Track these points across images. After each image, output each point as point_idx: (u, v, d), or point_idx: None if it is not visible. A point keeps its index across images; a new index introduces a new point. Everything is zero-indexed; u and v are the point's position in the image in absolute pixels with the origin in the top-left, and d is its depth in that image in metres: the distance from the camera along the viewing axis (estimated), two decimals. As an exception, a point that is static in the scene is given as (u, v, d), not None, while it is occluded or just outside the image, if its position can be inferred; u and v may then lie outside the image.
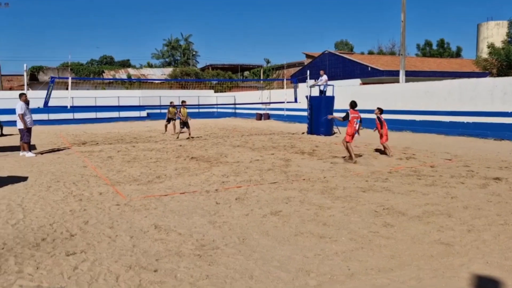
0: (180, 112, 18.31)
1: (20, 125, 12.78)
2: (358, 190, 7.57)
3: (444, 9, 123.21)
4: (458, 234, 5.15)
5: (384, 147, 12.14)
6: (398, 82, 23.99)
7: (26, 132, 12.79)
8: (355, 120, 10.75)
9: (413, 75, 31.37)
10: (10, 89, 42.96)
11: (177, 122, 19.25)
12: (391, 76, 31.23)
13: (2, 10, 40.73)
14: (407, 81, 23.56)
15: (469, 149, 12.91)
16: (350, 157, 10.84)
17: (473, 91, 16.85)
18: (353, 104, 11.07)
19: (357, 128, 10.80)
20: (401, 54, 24.05)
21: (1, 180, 8.99)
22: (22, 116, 12.68)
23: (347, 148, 10.96)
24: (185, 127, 18.04)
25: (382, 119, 12.16)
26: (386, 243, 4.88)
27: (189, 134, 18.24)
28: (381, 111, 12.40)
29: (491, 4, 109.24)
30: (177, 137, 18.04)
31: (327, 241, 4.96)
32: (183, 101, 18.98)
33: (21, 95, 13.07)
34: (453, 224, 5.54)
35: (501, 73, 27.77)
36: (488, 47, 29.94)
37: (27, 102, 13.09)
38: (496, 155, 11.61)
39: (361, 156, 11.77)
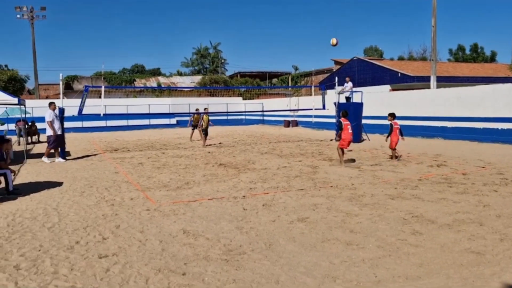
0: (203, 119, 18.40)
1: (49, 132, 13.42)
2: (387, 198, 7.49)
3: (477, 12, 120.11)
4: (490, 243, 5.02)
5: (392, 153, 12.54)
6: (429, 88, 23.56)
7: (53, 139, 13.37)
8: (348, 126, 11.53)
9: (445, 81, 30.72)
10: (47, 97, 44.54)
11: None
12: (422, 82, 30.67)
13: (40, 21, 42.38)
14: (438, 87, 23.11)
15: (504, 156, 12.52)
16: (340, 160, 11.58)
17: (508, 97, 16.36)
18: (344, 114, 11.92)
19: (351, 133, 11.68)
20: (432, 60, 23.64)
21: (38, 185, 9.37)
22: (51, 124, 13.27)
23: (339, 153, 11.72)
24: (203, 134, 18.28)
25: (394, 125, 12.47)
26: (415, 251, 4.82)
27: (203, 142, 18.31)
28: (393, 117, 12.71)
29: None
30: (204, 145, 18.15)
31: (354, 248, 4.94)
32: (205, 108, 19.19)
33: (50, 104, 13.81)
34: (485, 233, 5.41)
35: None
36: None
37: (62, 110, 13.62)
38: (532, 163, 11.22)
39: (354, 161, 12.09)
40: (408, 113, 20.73)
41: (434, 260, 4.52)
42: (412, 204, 7.01)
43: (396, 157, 12.35)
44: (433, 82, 23.06)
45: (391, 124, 12.50)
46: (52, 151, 13.61)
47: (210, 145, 18.50)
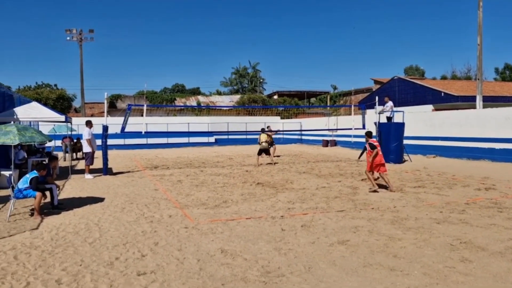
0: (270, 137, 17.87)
1: (87, 149, 14.04)
2: (432, 221, 7.16)
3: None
4: (548, 274, 4.66)
5: (369, 177, 10.72)
6: (474, 108, 22.72)
7: (91, 155, 13.84)
8: (379, 147, 10.72)
9: (492, 101, 29.57)
10: (92, 115, 46.31)
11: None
12: (466, 102, 29.65)
13: (88, 43, 44.40)
14: (484, 106, 22.25)
15: (558, 181, 11.77)
16: (372, 184, 10.56)
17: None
18: (369, 134, 11.29)
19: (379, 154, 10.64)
20: (478, 79, 22.85)
21: (81, 200, 9.62)
22: (90, 141, 13.79)
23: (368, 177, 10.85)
24: (263, 154, 17.77)
25: (369, 146, 10.84)
26: (464, 280, 4.53)
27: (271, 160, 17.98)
28: (369, 136, 11.18)
29: None
30: (273, 162, 17.83)
31: (398, 274, 4.71)
32: (268, 127, 18.76)
33: (87, 122, 14.44)
34: (542, 262, 5.03)
35: None
36: None
37: (106, 128, 14.16)
38: None
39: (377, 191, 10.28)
40: (452, 134, 20.02)
41: (486, 291, 4.22)
42: (460, 229, 6.65)
43: (374, 187, 10.38)
44: (479, 101, 22.24)
45: (370, 144, 10.72)
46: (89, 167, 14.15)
47: (261, 164, 18.20)
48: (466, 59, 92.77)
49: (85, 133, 14.14)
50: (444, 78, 59.29)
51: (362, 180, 12.46)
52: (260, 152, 17.71)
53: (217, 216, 7.80)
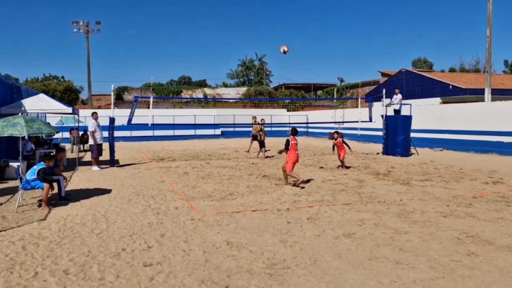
0: (261, 130, 18.04)
1: (90, 141, 13.97)
2: (438, 215, 7.13)
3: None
4: (556, 268, 4.63)
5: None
6: (482, 101, 22.51)
7: (95, 148, 13.87)
8: (296, 146, 10.23)
9: (501, 94, 29.23)
10: (99, 107, 46.47)
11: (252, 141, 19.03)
12: (475, 94, 29.36)
13: (95, 35, 44.49)
14: (493, 99, 22.01)
15: None
16: (286, 181, 10.34)
17: None
18: (293, 132, 10.51)
19: (297, 153, 10.26)
20: (487, 71, 22.62)
21: (88, 192, 9.69)
22: (93, 133, 13.81)
23: (285, 176, 10.43)
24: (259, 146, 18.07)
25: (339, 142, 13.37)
26: (471, 273, 4.52)
27: (263, 154, 18.02)
28: (338, 135, 13.58)
29: None
30: (264, 156, 17.80)
31: (404, 268, 4.70)
32: (262, 120, 18.81)
33: (93, 114, 14.40)
34: (549, 257, 5.00)
35: None
36: None
37: (113, 120, 14.16)
38: None
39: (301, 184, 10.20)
40: (460, 127, 19.88)
41: (492, 285, 4.21)
42: (467, 223, 6.62)
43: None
44: (487, 94, 22.03)
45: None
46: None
47: (268, 156, 18.13)
48: (475, 51, 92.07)
49: (90, 125, 14.20)
50: (452, 70, 58.75)
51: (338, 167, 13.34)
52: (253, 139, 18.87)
53: (223, 208, 7.83)
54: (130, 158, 18.13)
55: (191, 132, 35.04)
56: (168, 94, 56.46)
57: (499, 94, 28.91)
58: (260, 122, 18.63)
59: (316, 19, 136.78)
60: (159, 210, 7.70)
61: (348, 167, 13.73)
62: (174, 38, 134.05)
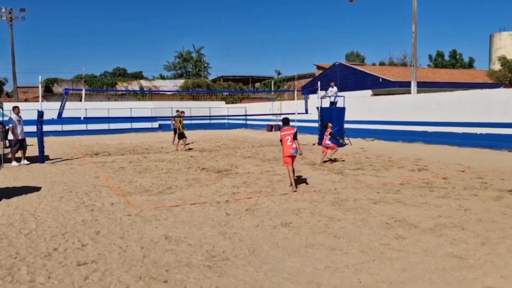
0: (180, 122, 18.09)
1: (10, 136, 13.49)
2: (369, 202, 7.51)
3: (456, 19, 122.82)
4: (472, 247, 5.06)
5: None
6: (409, 93, 23.87)
7: (15, 143, 13.27)
8: (286, 137, 8.76)
9: (425, 86, 31.15)
10: (26, 100, 43.68)
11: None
12: (402, 87, 31.05)
13: (19, 23, 41.58)
14: (419, 92, 23.41)
15: (483, 161, 12.73)
16: (291, 184, 8.80)
17: (486, 102, 16.67)
18: (284, 121, 9.24)
19: (294, 146, 8.70)
20: (413, 65, 23.97)
21: (16, 190, 9.12)
22: (13, 129, 13.16)
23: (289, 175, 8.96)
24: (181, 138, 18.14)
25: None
26: (398, 255, 4.82)
27: (184, 146, 18.17)
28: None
29: (505, 14, 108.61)
30: (185, 149, 18.01)
31: (338, 253, 4.92)
32: (182, 112, 18.83)
33: (14, 108, 13.71)
34: (467, 237, 5.45)
35: (515, 84, 27.38)
36: (499, 60, 29.55)
37: (41, 113, 13.42)
38: (511, 167, 11.42)
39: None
40: (390, 118, 20.97)
41: (417, 265, 4.53)
42: (395, 208, 7.04)
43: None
44: (413, 87, 23.36)
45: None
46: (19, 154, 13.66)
47: (191, 149, 18.31)
48: (403, 46, 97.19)
49: (10, 119, 13.56)
50: (382, 64, 61.63)
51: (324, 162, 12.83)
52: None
53: (161, 203, 7.71)
54: (61, 153, 17.27)
55: (127, 125, 33.95)
56: (102, 86, 54.23)
57: (424, 86, 30.80)
58: (178, 115, 18.50)
59: (254, 13, 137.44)
60: (93, 207, 7.44)
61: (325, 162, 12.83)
62: (108, 28, 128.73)
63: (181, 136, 18.13)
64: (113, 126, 32.92)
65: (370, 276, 4.25)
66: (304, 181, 9.78)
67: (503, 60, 28.29)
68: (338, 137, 12.81)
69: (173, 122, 18.45)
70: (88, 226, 6.19)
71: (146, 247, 5.22)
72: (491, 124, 16.30)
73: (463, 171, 10.86)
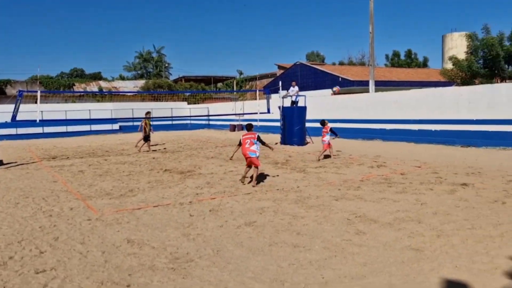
0: (146, 124, 17.84)
1: None
2: (331, 199, 7.67)
3: (411, 20, 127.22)
4: (428, 239, 5.28)
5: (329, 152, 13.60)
6: (368, 92, 24.52)
7: None
8: (246, 140, 9.39)
9: (383, 85, 32.11)
10: (-25, 103, 41.64)
11: (141, 135, 18.41)
12: (361, 86, 31.88)
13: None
14: (376, 90, 24.11)
15: (437, 156, 13.28)
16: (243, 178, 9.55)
17: (439, 100, 17.39)
18: (248, 127, 10.15)
19: (251, 148, 9.31)
20: (370, 65, 24.64)
21: (-34, 197, 8.68)
22: None
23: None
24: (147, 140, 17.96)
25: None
26: (359, 250, 4.96)
27: (148, 148, 18.02)
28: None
29: (456, 16, 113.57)
30: (150, 150, 17.82)
31: (301, 250, 5.00)
32: (148, 113, 18.52)
33: None
34: (423, 230, 5.68)
35: (465, 82, 28.62)
36: (450, 59, 30.82)
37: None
38: (463, 162, 11.98)
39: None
40: (350, 116, 21.47)
41: (377, 259, 4.67)
42: (355, 204, 7.23)
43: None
44: (371, 86, 24.01)
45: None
46: None
47: (155, 150, 18.10)
48: (361, 46, 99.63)
49: None
50: (342, 64, 62.96)
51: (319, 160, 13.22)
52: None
53: (122, 206, 7.57)
54: (16, 157, 16.58)
55: (86, 127, 33.02)
56: (58, 87, 52.51)
57: (382, 85, 31.75)
58: (148, 117, 18.21)
59: (214, 12, 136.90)
60: (51, 212, 7.19)
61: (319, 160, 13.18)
62: (63, 27, 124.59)
63: (147, 138, 17.86)
64: (71, 128, 31.98)
65: (332, 271, 4.35)
66: (267, 180, 9.86)
67: (454, 60, 29.52)
68: (335, 132, 13.82)
69: (142, 124, 17.93)
70: (46, 233, 5.99)
71: (107, 252, 5.11)
72: (444, 121, 17.03)
73: (419, 167, 11.28)
